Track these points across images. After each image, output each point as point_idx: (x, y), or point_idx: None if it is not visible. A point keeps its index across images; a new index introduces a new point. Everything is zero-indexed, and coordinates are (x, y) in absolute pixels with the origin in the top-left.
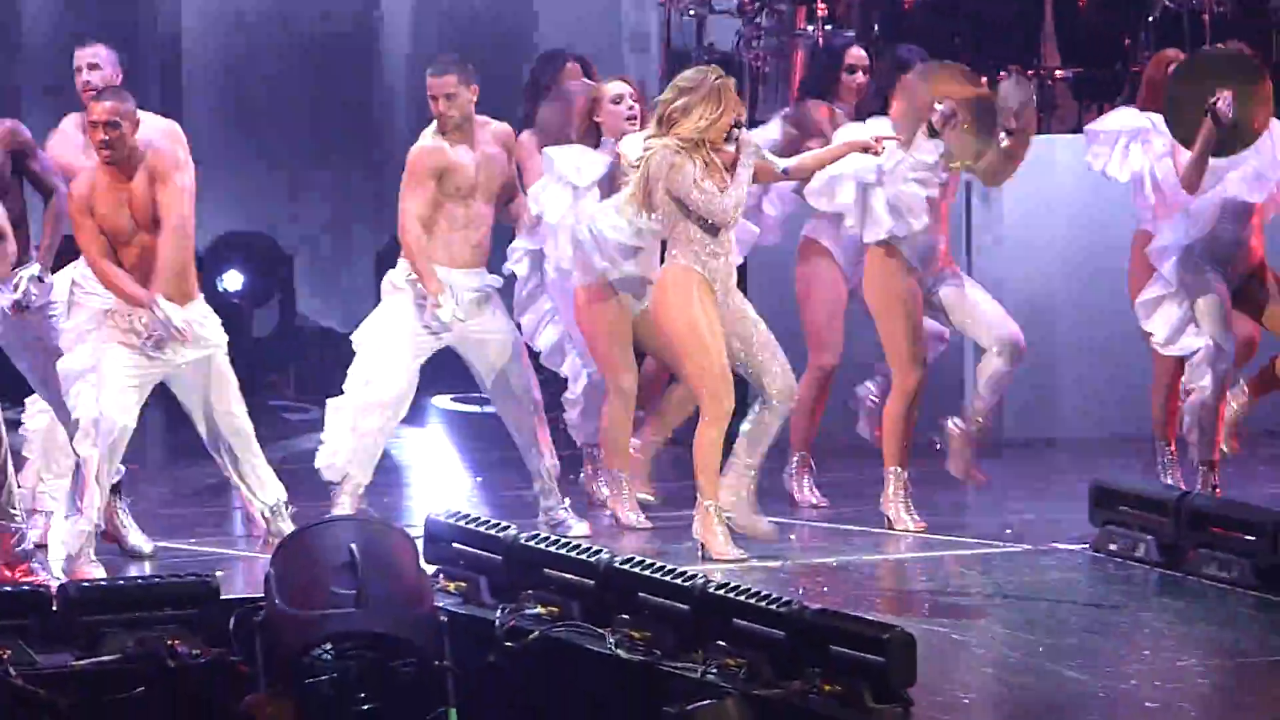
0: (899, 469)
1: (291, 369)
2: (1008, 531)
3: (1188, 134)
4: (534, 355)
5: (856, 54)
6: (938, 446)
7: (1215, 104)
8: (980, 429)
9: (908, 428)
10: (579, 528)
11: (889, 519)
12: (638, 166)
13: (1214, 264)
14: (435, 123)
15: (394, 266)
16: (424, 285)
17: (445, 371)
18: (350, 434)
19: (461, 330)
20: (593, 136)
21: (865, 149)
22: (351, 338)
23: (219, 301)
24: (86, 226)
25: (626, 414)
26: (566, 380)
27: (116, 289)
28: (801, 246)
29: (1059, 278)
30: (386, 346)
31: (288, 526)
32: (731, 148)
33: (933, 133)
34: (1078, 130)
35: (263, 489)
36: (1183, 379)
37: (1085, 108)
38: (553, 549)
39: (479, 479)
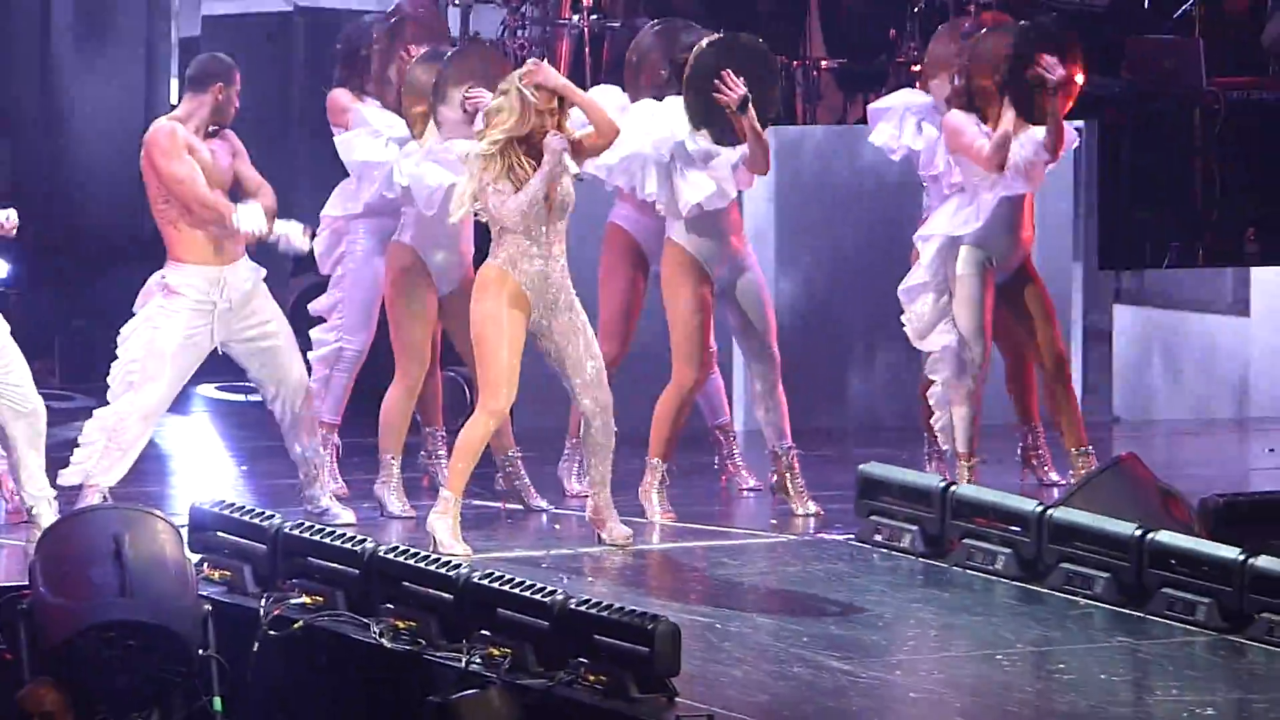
0: (659, 461)
1: (57, 356)
2: (772, 522)
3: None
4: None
5: None
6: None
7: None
8: (788, 456)
9: (677, 423)
10: (345, 516)
11: (643, 508)
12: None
13: (984, 255)
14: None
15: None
16: (224, 215)
17: (209, 359)
18: (108, 444)
19: (233, 332)
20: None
21: None
22: (119, 335)
23: None
24: None
25: (408, 403)
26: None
27: None
28: (606, 234)
29: (828, 266)
30: (154, 354)
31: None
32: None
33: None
34: (843, 121)
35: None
36: (925, 370)
37: (850, 99)
38: (317, 538)
39: (244, 467)
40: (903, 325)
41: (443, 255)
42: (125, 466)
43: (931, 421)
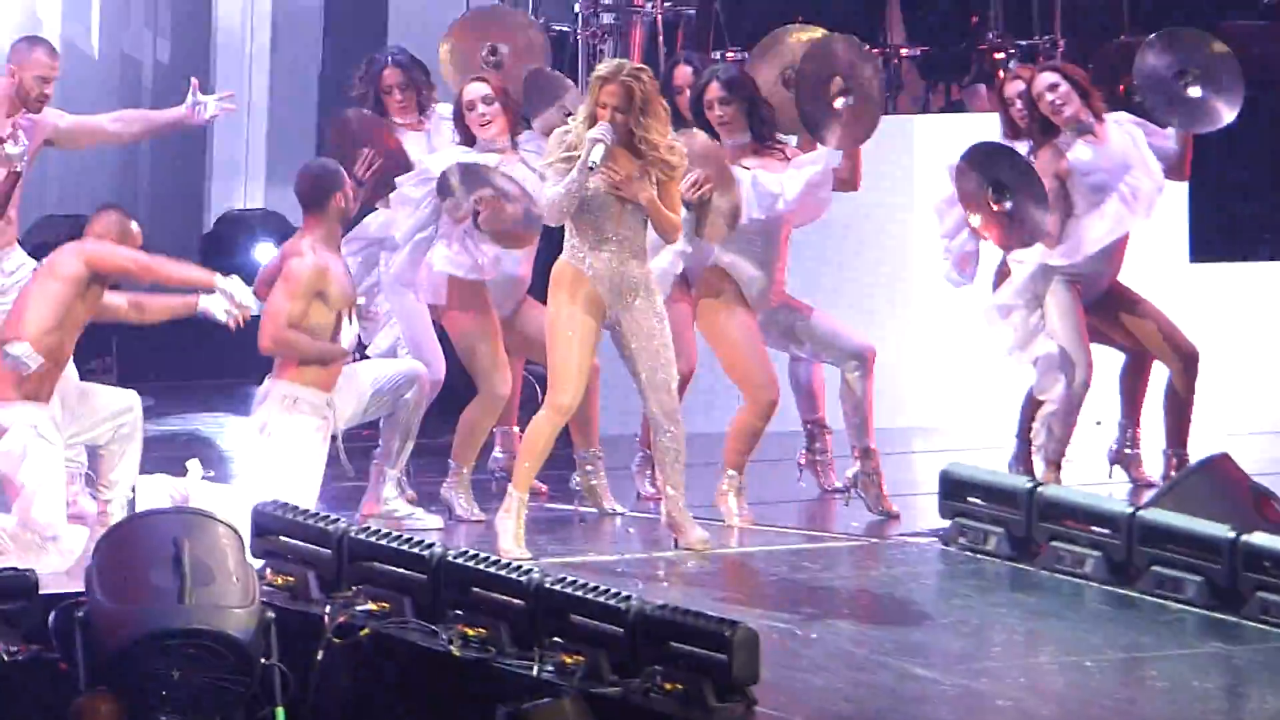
0: (735, 473)
1: (114, 352)
2: (854, 524)
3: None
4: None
5: (683, 74)
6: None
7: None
8: (873, 459)
9: (754, 440)
10: (429, 521)
11: (720, 511)
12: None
13: (1074, 277)
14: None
15: (217, 249)
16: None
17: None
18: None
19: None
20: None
21: None
22: (258, 455)
23: None
24: None
25: (488, 421)
26: None
27: None
28: None
29: (910, 258)
30: (293, 472)
31: None
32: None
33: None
34: (925, 110)
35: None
36: (1032, 387)
37: (932, 87)
38: (383, 542)
39: None
40: (1006, 339)
41: (504, 277)
42: None
43: (1032, 436)
